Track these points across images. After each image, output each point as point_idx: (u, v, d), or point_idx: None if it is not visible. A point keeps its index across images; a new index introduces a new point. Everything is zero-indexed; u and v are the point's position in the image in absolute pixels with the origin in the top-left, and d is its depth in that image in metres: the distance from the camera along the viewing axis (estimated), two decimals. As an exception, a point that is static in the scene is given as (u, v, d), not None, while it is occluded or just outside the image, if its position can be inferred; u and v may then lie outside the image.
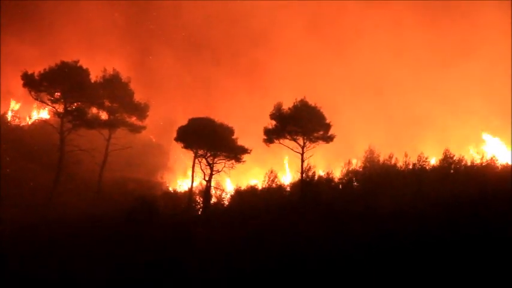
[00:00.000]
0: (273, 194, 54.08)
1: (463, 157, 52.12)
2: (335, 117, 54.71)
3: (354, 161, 55.94)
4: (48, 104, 56.39)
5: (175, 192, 61.42)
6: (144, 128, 59.28)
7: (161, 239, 43.11)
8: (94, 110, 57.30)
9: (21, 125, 69.95)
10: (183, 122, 55.42)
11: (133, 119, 58.50)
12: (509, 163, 52.85)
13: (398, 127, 68.44)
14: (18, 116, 70.95)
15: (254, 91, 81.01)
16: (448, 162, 51.73)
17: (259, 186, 56.31)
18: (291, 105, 53.64)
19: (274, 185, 55.14)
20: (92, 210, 51.32)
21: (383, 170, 52.94)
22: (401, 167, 53.02)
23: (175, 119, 64.31)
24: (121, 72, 58.74)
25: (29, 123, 70.42)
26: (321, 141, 53.19)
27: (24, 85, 55.50)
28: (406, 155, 53.19)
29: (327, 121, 53.30)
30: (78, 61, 56.13)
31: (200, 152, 54.53)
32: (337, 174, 54.90)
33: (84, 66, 56.52)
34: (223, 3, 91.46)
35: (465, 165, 51.77)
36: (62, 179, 56.00)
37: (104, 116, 57.69)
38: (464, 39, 78.86)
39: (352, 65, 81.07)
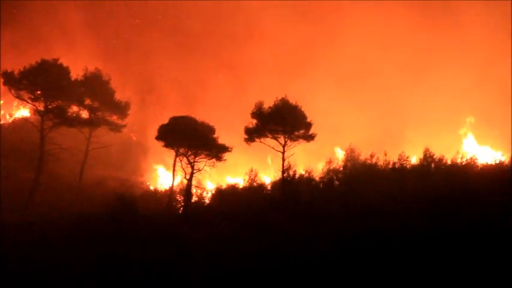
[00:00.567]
0: (253, 192, 53.95)
1: (443, 156, 52.21)
2: (319, 115, 54.90)
3: (335, 159, 56.10)
4: (28, 102, 56.07)
5: (156, 191, 61.29)
6: (124, 126, 59.36)
7: (143, 238, 43.14)
8: (75, 109, 57.15)
9: (1, 122, 69.66)
10: (165, 120, 55.13)
11: (114, 118, 58.43)
12: (489, 162, 52.99)
13: (381, 125, 68.54)
14: (-2, 113, 70.62)
15: (238, 86, 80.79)
16: (428, 161, 51.82)
17: (241, 185, 56.17)
18: (272, 103, 53.61)
19: (255, 183, 55.00)
20: (73, 209, 51.29)
21: (364, 169, 52.96)
22: (381, 166, 53.07)
23: (156, 116, 63.79)
24: (101, 69, 58.72)
25: (10, 121, 70.16)
26: (302, 140, 53.17)
27: (4, 83, 55.51)
28: (385, 154, 53.20)
29: (308, 120, 53.11)
30: (58, 59, 56.04)
31: (181, 150, 54.31)
32: (319, 173, 54.88)
33: (65, 64, 56.22)
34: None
35: (445, 164, 51.92)
36: (43, 177, 55.85)
37: (84, 114, 57.61)
38: (456, 40, 79.30)
39: (338, 62, 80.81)
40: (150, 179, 66.61)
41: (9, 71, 55.10)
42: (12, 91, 55.21)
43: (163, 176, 66.05)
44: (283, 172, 53.03)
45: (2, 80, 55.82)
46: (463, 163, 51.61)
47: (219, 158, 54.57)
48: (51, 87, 54.66)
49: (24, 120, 63.00)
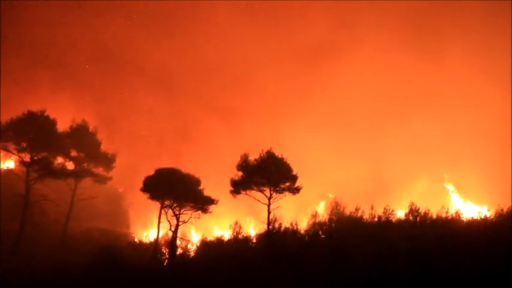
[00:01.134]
0: (239, 245, 53.74)
1: (428, 210, 52.41)
2: (305, 162, 55.23)
3: (320, 212, 56.13)
4: (13, 153, 55.90)
5: (141, 243, 60.76)
6: (110, 179, 59.22)
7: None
8: (60, 160, 56.92)
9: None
10: (150, 172, 55.10)
11: (100, 169, 58.30)
12: (474, 217, 53.09)
13: (367, 178, 68.97)
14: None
15: (225, 135, 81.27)
16: (413, 216, 52.01)
17: (226, 237, 55.91)
18: (257, 155, 53.81)
19: (240, 236, 54.77)
20: (57, 260, 50.58)
21: (349, 222, 52.99)
22: (367, 220, 53.14)
23: (141, 168, 63.70)
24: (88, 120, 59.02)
25: (-6, 172, 69.59)
26: (287, 192, 53.22)
27: (-12, 134, 55.17)
28: (372, 208, 53.34)
29: (294, 173, 53.18)
30: (44, 111, 56.09)
31: (166, 202, 54.21)
32: (304, 225, 54.73)
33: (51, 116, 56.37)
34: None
35: (431, 218, 52.07)
36: (27, 228, 55.06)
37: (70, 165, 57.38)
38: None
39: (323, 111, 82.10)
40: (135, 231, 66.13)
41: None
42: (-2, 142, 55.00)
43: (148, 228, 65.59)
44: (268, 224, 52.84)
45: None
46: (448, 218, 51.83)
47: (204, 210, 54.45)
48: (38, 139, 54.43)
49: (9, 171, 62.76)
